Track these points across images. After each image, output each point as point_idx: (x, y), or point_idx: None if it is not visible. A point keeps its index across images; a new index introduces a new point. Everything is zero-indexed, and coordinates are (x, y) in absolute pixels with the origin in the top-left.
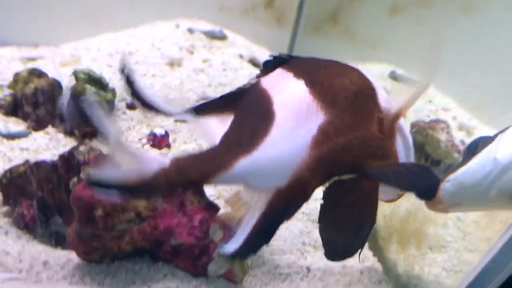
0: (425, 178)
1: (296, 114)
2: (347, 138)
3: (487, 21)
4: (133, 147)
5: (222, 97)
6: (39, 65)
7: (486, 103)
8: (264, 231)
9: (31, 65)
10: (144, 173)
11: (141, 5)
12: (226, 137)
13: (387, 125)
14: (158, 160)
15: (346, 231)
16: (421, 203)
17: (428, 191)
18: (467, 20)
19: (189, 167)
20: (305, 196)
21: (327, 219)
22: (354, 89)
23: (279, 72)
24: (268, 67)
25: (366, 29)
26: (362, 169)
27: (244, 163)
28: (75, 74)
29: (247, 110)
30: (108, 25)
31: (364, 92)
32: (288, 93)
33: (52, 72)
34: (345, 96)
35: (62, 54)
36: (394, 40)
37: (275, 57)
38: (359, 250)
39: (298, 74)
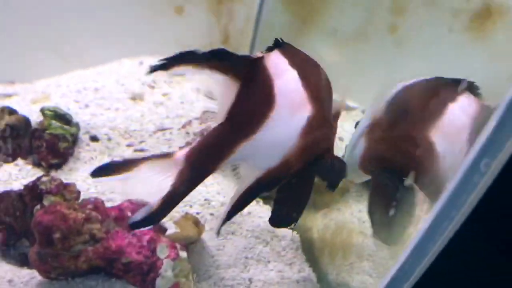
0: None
1: (290, 103)
2: (323, 131)
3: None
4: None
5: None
6: (13, 102)
7: None
8: (243, 202)
9: (7, 101)
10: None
11: (109, 43)
12: (231, 117)
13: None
14: (171, 170)
15: (290, 205)
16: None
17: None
18: (399, 51)
19: (202, 164)
20: (286, 178)
21: (280, 195)
22: (329, 87)
23: (277, 56)
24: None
25: None
26: (322, 159)
27: (245, 147)
28: (42, 111)
29: (252, 88)
30: (78, 62)
31: (331, 91)
32: (285, 81)
33: (23, 109)
34: (324, 93)
35: (35, 90)
36: (336, 71)
37: (275, 41)
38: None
39: (293, 63)
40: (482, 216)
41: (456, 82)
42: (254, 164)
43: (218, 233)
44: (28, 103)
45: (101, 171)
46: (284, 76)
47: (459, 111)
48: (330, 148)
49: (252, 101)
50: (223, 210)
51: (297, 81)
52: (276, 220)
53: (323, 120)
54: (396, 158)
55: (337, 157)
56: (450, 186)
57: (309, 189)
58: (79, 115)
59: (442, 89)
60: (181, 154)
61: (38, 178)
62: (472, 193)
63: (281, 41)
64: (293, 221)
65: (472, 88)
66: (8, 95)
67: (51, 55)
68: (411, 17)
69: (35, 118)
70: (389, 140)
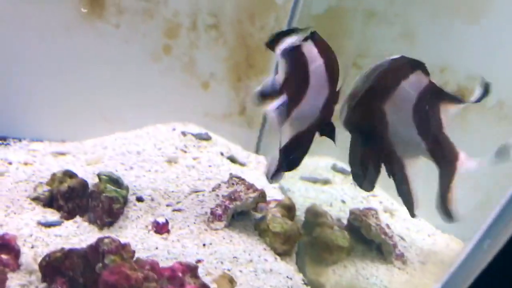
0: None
1: (319, 84)
2: (332, 107)
3: None
4: None
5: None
6: (68, 160)
7: None
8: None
9: (61, 158)
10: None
11: (146, 110)
12: (285, 89)
13: None
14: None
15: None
16: None
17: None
18: None
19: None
20: (308, 141)
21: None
22: (339, 70)
23: (310, 45)
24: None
25: None
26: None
27: (294, 114)
28: (99, 175)
29: (295, 69)
30: (120, 125)
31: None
32: (316, 66)
33: (79, 170)
34: (336, 80)
35: (85, 150)
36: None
37: (311, 33)
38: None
39: (321, 52)
40: None
41: (412, 62)
42: (294, 127)
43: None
44: (83, 163)
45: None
46: (315, 63)
47: (408, 87)
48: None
49: (296, 78)
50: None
51: (323, 68)
52: (285, 166)
53: (334, 98)
54: (363, 123)
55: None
56: (457, 260)
57: (311, 141)
58: (125, 177)
59: (399, 68)
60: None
61: (101, 239)
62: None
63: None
64: (297, 164)
65: (423, 68)
66: (62, 153)
67: (97, 117)
68: None
69: (91, 179)
70: (358, 109)
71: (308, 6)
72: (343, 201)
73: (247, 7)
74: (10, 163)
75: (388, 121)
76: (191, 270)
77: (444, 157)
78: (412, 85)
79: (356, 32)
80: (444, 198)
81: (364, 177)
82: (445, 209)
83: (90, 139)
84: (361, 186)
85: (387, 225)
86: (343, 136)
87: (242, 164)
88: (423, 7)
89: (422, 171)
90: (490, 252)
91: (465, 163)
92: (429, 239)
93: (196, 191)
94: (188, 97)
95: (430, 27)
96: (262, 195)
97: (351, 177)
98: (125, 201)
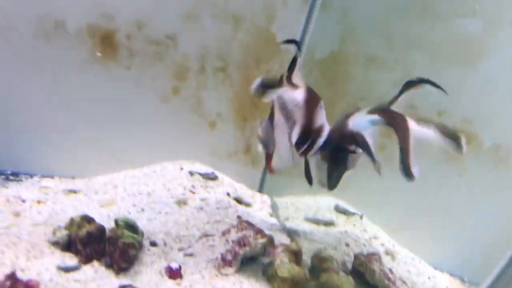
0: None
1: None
2: None
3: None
4: None
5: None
6: (81, 200)
7: (404, 227)
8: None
9: (72, 197)
10: None
11: (154, 148)
12: None
13: None
14: None
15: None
16: None
17: None
18: (389, 168)
19: None
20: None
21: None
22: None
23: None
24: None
25: None
26: None
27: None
28: (116, 221)
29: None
30: (127, 162)
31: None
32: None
33: (94, 212)
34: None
35: (95, 188)
36: None
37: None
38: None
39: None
40: None
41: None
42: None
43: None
44: (96, 205)
45: None
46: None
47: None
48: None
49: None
50: None
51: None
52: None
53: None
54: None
55: None
56: None
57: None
58: (138, 220)
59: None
60: None
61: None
62: None
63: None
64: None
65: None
66: (73, 191)
67: (106, 155)
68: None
69: (106, 222)
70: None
71: (311, 51)
72: (347, 244)
73: (254, 52)
74: (23, 201)
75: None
76: None
77: (397, 122)
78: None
79: (357, 76)
80: (405, 160)
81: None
82: (406, 169)
83: (99, 176)
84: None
85: (390, 270)
86: (344, 177)
87: (247, 205)
88: (422, 53)
89: None
90: None
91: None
92: (429, 282)
93: (206, 235)
94: (195, 136)
95: (428, 72)
96: (270, 241)
97: (353, 217)
98: (140, 247)
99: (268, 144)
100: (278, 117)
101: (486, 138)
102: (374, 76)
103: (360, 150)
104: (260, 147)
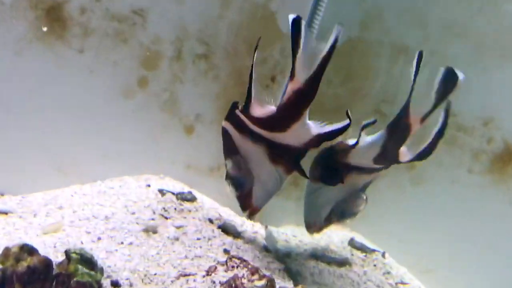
0: None
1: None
2: None
3: (435, 192)
4: None
5: None
6: (16, 227)
7: (434, 267)
8: None
9: (2, 220)
10: None
11: (112, 157)
12: None
13: None
14: None
15: None
16: None
17: None
18: (416, 191)
19: None
20: None
21: None
22: None
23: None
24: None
25: None
26: None
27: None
28: (68, 253)
29: None
30: (75, 176)
31: None
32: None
33: (35, 240)
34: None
35: (33, 208)
36: None
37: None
38: None
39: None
40: None
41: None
42: None
43: None
44: (37, 231)
45: None
46: None
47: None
48: None
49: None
50: None
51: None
52: None
53: None
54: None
55: None
56: None
57: None
58: (94, 251)
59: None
60: None
61: None
62: None
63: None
64: None
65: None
66: (3, 212)
67: (46, 165)
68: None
69: (52, 254)
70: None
71: (322, 37)
72: None
73: (246, 35)
74: None
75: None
76: None
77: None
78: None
79: (381, 71)
80: None
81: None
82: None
83: (37, 193)
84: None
85: None
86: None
87: (236, 236)
88: (466, 44)
89: None
90: None
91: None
92: None
93: (185, 275)
94: (166, 143)
95: (473, 69)
96: (270, 284)
97: (373, 255)
98: (99, 287)
99: (243, 181)
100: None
101: None
102: (403, 72)
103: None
104: (230, 189)
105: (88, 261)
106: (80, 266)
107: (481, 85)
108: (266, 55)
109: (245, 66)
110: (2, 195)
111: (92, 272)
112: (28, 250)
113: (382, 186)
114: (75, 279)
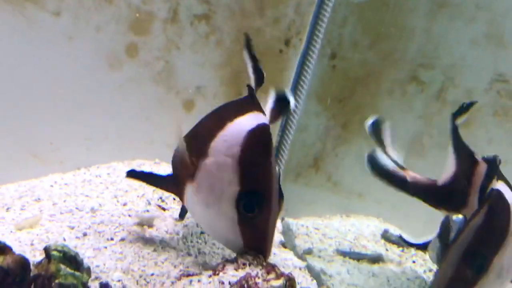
0: None
1: None
2: None
3: None
4: None
5: None
6: None
7: None
8: None
9: None
10: None
11: (96, 140)
12: None
13: None
14: None
15: None
16: None
17: None
18: None
19: None
20: None
21: None
22: None
23: None
24: None
25: (351, 177)
26: None
27: None
28: (47, 250)
29: None
30: (55, 163)
31: None
32: None
33: (8, 237)
34: None
35: (4, 201)
36: (383, 191)
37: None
38: None
39: None
40: None
41: None
42: None
43: None
44: (11, 227)
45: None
46: None
47: None
48: None
49: None
50: None
51: None
52: None
53: None
54: None
55: None
56: None
57: None
58: (78, 249)
59: None
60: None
61: None
62: None
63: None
64: None
65: None
66: None
67: (22, 151)
68: (478, 129)
69: (29, 253)
70: None
71: None
72: None
73: None
74: None
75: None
76: None
77: None
78: None
79: (418, 30)
80: None
81: None
82: None
83: (11, 184)
84: None
85: None
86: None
87: None
88: None
89: None
90: None
91: None
92: None
93: (188, 275)
94: (162, 122)
95: None
96: (290, 283)
97: (412, 251)
98: None
99: None
100: None
101: None
102: (444, 31)
103: None
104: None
105: (72, 260)
106: (62, 266)
107: None
108: (279, 14)
109: (252, 27)
110: None
111: (77, 273)
112: (0, 248)
113: (422, 165)
114: (57, 281)
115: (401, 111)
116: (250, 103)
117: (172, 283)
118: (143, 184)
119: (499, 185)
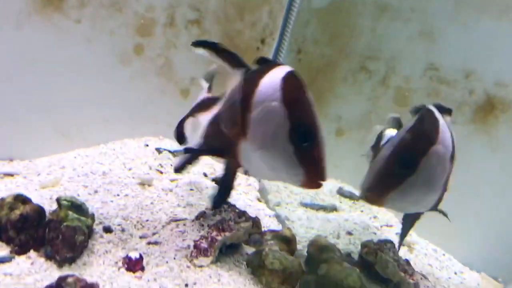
0: None
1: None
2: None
3: None
4: None
5: None
6: (18, 183)
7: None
8: None
9: (8, 181)
10: None
11: (112, 122)
12: None
13: None
14: None
15: None
16: None
17: None
18: None
19: None
20: None
21: None
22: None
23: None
24: None
25: None
26: None
27: None
28: (59, 201)
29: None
30: (80, 141)
31: None
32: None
33: (32, 194)
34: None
35: (38, 171)
36: (341, 158)
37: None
38: None
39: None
40: None
41: None
42: None
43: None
44: (37, 186)
45: None
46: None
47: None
48: None
49: None
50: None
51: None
52: None
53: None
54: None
55: None
56: None
57: None
58: (89, 202)
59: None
60: None
61: (62, 279)
62: None
63: None
64: None
65: None
66: (9, 174)
67: (53, 131)
68: None
69: (47, 205)
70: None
71: None
72: (350, 233)
73: (236, 0)
74: None
75: None
76: None
77: None
78: None
79: (365, 29)
80: None
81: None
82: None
83: (44, 158)
84: None
85: (407, 261)
86: (349, 156)
87: None
88: (447, 1)
89: None
90: None
91: None
92: (456, 278)
93: (176, 220)
94: (164, 106)
95: (453, 24)
96: (256, 225)
97: (360, 202)
98: (90, 232)
99: None
100: None
101: None
102: (386, 30)
103: None
104: None
105: (78, 208)
106: (70, 212)
107: (462, 39)
108: (255, 18)
109: (234, 29)
110: (11, 160)
111: (83, 218)
112: (21, 199)
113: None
114: (65, 223)
115: (354, 94)
116: (270, 64)
117: (163, 226)
118: (147, 154)
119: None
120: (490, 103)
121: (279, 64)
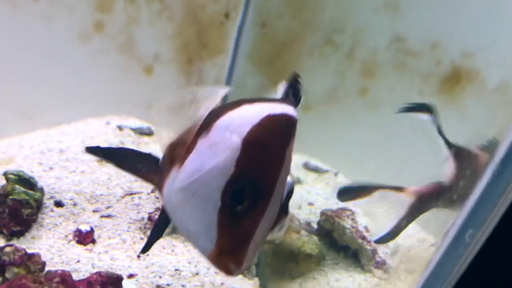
0: None
1: None
2: None
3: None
4: None
5: None
6: None
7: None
8: None
9: None
10: None
11: (75, 103)
12: None
13: None
14: None
15: None
16: None
17: None
18: (369, 115)
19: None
20: None
21: None
22: None
23: None
24: None
25: None
26: None
27: None
28: (6, 175)
29: None
30: (42, 122)
31: None
32: None
33: None
34: None
35: None
36: (307, 133)
37: None
38: None
39: None
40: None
41: None
42: None
43: None
44: None
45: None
46: None
47: None
48: None
49: None
50: None
51: None
52: None
53: None
54: None
55: None
56: (434, 258)
57: None
58: (42, 178)
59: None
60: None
61: (1, 249)
62: (457, 264)
63: None
64: None
65: None
66: None
67: (12, 113)
68: (381, 80)
69: None
70: None
71: None
72: (311, 204)
73: None
74: None
75: None
76: (114, 282)
77: None
78: None
79: (330, 2)
80: None
81: None
82: None
83: (5, 140)
84: None
85: (366, 228)
86: (316, 131)
87: None
88: None
89: None
90: (474, 245)
91: None
92: (418, 245)
93: (131, 194)
94: (127, 84)
95: None
96: None
97: (326, 175)
98: (39, 206)
99: None
100: None
101: (491, 75)
102: (351, 2)
103: None
104: None
105: (26, 182)
106: (17, 186)
107: (427, 10)
108: None
109: (197, 4)
110: None
111: (30, 192)
112: None
113: (337, 112)
114: (11, 197)
115: (320, 68)
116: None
117: (118, 200)
118: (108, 132)
119: None
120: (456, 74)
121: (290, 102)
